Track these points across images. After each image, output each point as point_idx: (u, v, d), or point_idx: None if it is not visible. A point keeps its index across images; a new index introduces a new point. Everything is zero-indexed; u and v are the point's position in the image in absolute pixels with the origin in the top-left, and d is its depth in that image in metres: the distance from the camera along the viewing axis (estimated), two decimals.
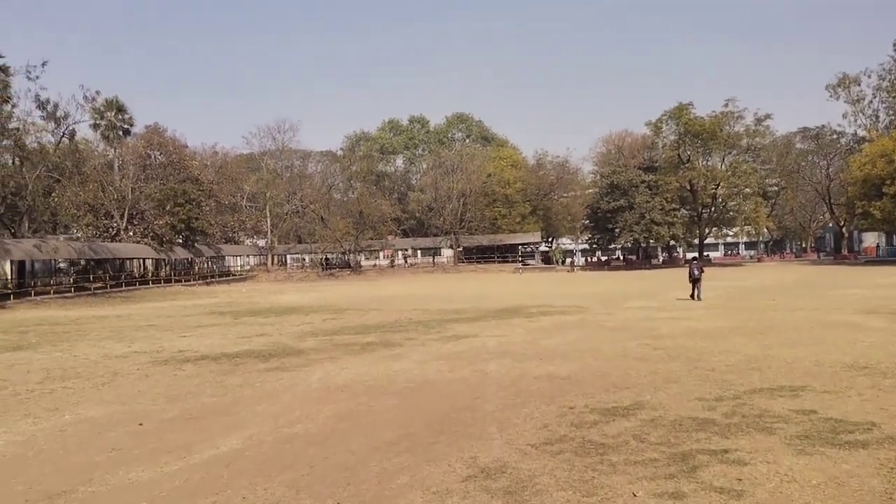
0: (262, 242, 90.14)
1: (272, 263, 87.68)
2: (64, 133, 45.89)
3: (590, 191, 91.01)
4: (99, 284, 48.82)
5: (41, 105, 44.52)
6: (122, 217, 56.48)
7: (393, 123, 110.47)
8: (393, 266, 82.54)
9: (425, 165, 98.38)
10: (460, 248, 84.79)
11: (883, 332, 15.46)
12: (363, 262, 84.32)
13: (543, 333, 17.44)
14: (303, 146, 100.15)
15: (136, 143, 61.37)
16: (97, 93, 46.46)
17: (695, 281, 26.60)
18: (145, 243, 56.86)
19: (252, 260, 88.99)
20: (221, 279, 66.00)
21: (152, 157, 63.07)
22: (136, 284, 52.51)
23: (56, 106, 45.05)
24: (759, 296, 28.67)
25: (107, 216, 56.72)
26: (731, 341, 14.70)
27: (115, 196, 56.02)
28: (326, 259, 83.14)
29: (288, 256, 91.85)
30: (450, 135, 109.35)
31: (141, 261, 61.27)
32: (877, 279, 37.72)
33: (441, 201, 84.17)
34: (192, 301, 38.94)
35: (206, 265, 72.12)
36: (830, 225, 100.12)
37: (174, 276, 60.27)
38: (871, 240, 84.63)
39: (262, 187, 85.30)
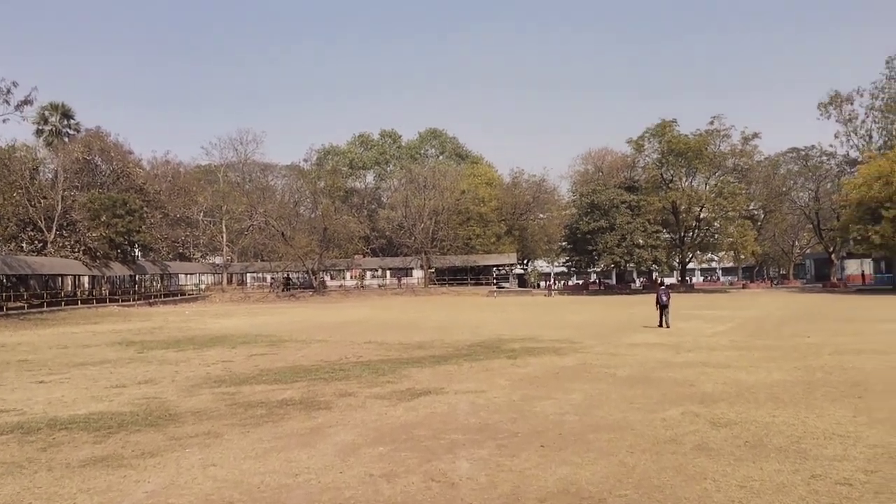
0: (218, 260, 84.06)
1: (229, 282, 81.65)
2: None
3: (567, 211, 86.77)
4: (18, 304, 42.76)
5: None
6: (49, 228, 50.21)
7: (363, 138, 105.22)
8: (360, 287, 77.15)
9: (396, 182, 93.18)
10: (432, 269, 79.65)
11: None
12: (329, 283, 78.82)
13: (536, 387, 12.42)
14: (267, 160, 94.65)
15: (73, 147, 55.26)
16: (14, 84, 40.29)
17: (662, 307, 25.69)
18: (75, 258, 50.57)
19: (208, 278, 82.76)
20: (168, 299, 59.97)
21: (91, 163, 57.06)
22: (62, 304, 46.35)
23: None
24: (784, 330, 23.91)
25: (32, 226, 50.44)
26: (822, 412, 9.78)
27: (42, 205, 49.81)
28: (287, 278, 77.40)
29: (247, 275, 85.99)
30: (422, 151, 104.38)
31: (75, 278, 54.91)
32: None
33: (412, 219, 79.16)
34: (113, 325, 33.36)
35: (152, 283, 65.78)
36: (808, 251, 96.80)
37: (112, 295, 54.06)
38: (853, 267, 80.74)
39: (219, 200, 79.45)
